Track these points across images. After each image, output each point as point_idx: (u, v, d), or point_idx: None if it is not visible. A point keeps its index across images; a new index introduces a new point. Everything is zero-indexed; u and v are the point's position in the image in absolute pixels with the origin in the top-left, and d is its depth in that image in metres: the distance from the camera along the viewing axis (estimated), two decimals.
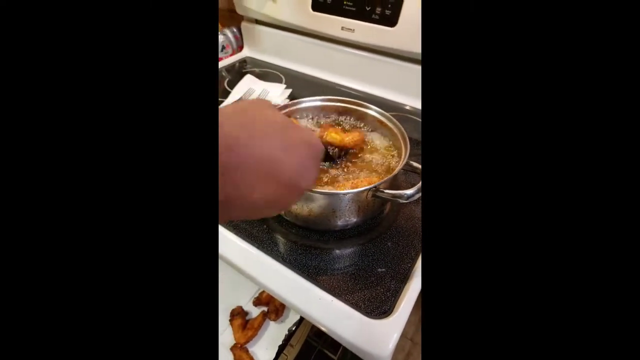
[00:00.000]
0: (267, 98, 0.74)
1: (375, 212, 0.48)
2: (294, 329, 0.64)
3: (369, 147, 0.51)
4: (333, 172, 0.47)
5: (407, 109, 0.74)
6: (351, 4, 0.71)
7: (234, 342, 0.64)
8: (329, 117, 0.56)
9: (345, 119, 0.56)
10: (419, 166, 0.45)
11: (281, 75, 0.85)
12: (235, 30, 0.95)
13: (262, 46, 0.93)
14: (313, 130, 0.26)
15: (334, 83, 0.83)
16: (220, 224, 0.47)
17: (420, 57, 0.68)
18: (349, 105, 0.55)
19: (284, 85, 0.78)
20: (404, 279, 0.41)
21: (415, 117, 0.71)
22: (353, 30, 0.73)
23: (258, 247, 0.44)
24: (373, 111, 0.53)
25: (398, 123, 0.49)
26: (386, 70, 0.75)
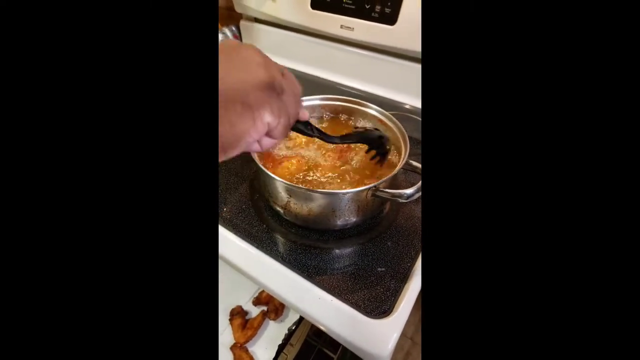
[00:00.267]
0: None
1: (375, 212, 0.48)
2: (293, 328, 0.63)
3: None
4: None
5: (407, 108, 0.73)
6: (350, 2, 0.70)
7: (234, 341, 0.64)
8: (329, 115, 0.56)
9: (344, 118, 0.56)
10: (419, 165, 0.45)
11: None
12: (234, 28, 0.95)
13: (261, 45, 0.92)
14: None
15: (333, 82, 0.83)
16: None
17: (420, 56, 0.68)
18: (348, 104, 0.55)
19: None
20: (404, 278, 0.41)
21: (415, 116, 0.71)
22: (352, 29, 0.72)
23: (257, 247, 0.44)
24: (373, 110, 0.53)
25: (398, 122, 0.49)
26: (386, 69, 0.75)
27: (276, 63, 0.27)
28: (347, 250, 0.45)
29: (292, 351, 0.62)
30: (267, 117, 0.26)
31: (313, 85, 0.83)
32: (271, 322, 0.68)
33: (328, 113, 0.56)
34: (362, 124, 0.54)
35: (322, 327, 0.38)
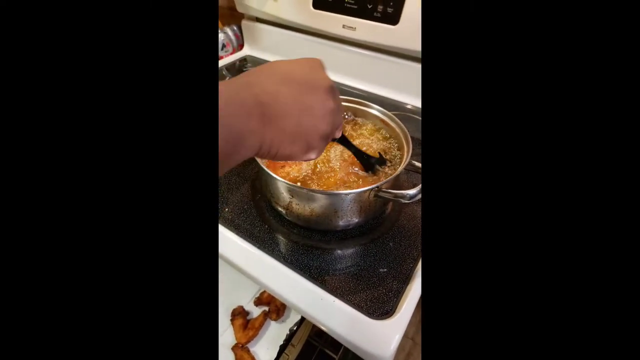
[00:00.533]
0: None
1: (377, 212, 0.47)
2: (295, 328, 0.63)
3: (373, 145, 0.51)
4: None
5: (409, 108, 0.73)
6: (353, 1, 0.70)
7: (235, 341, 0.64)
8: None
9: (347, 118, 0.56)
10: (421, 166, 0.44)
11: None
12: (235, 28, 0.95)
13: (263, 44, 0.92)
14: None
15: (335, 82, 0.82)
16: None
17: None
18: (351, 104, 0.54)
19: None
20: (406, 279, 0.41)
21: (417, 117, 0.70)
22: (354, 29, 0.72)
23: (259, 247, 0.44)
24: (375, 110, 0.53)
25: (400, 122, 0.49)
26: (388, 68, 0.75)
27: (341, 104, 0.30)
28: (349, 251, 0.45)
29: (293, 352, 0.62)
30: (314, 155, 0.29)
31: None
32: (272, 323, 0.67)
33: None
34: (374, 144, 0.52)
35: (324, 328, 0.38)
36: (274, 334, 0.66)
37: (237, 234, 0.46)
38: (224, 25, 0.95)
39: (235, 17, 0.94)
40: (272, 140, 0.25)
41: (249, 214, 0.49)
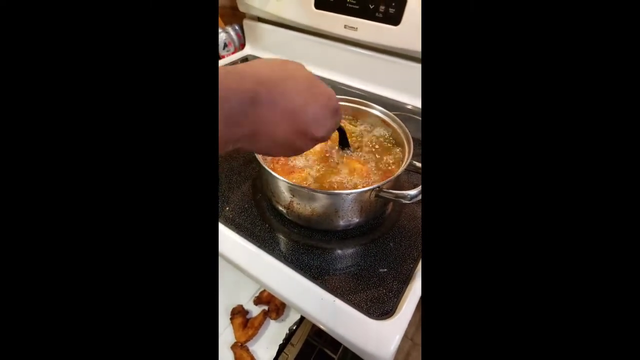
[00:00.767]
0: None
1: (378, 213, 0.47)
2: (294, 328, 0.63)
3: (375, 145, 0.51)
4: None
5: (409, 109, 0.73)
6: (354, 2, 0.70)
7: (235, 340, 0.64)
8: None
9: (349, 118, 0.56)
10: None
11: None
12: (237, 27, 0.95)
13: (264, 44, 0.92)
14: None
15: (336, 82, 0.83)
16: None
17: None
18: (352, 104, 0.55)
19: None
20: (406, 279, 0.41)
21: (417, 117, 0.70)
22: (356, 29, 0.72)
23: (260, 246, 0.44)
24: (377, 111, 0.53)
25: (402, 123, 0.49)
26: (389, 69, 0.75)
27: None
28: (350, 251, 0.45)
29: (292, 351, 0.62)
30: (314, 147, 0.31)
31: None
32: (272, 322, 0.67)
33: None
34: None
35: (324, 328, 0.38)
36: (274, 333, 0.66)
37: (238, 233, 0.46)
38: (225, 24, 0.95)
39: (237, 17, 0.94)
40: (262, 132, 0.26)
41: (249, 213, 0.49)
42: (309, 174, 0.46)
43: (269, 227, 0.47)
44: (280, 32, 0.87)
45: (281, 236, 0.46)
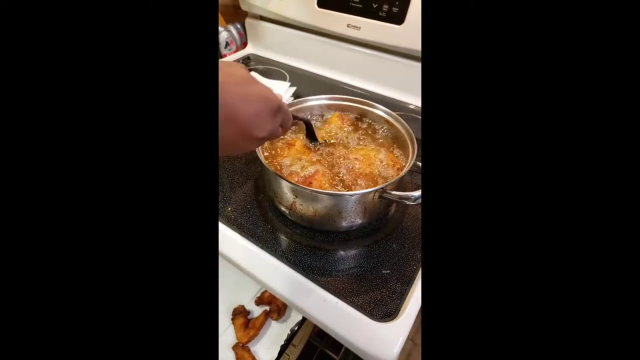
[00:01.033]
0: None
1: (381, 214, 0.47)
2: (296, 329, 0.63)
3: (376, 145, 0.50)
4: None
5: (412, 108, 0.73)
6: (358, 1, 0.70)
7: (236, 341, 0.63)
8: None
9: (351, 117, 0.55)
10: None
11: (285, 73, 0.84)
12: (239, 26, 0.94)
13: (266, 43, 0.92)
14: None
15: (339, 81, 0.83)
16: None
17: None
18: (355, 104, 0.54)
19: (289, 83, 0.78)
20: (410, 281, 0.41)
21: (420, 117, 0.70)
22: (359, 28, 0.72)
23: (262, 247, 0.44)
24: (380, 111, 0.52)
25: (405, 123, 0.49)
26: (392, 68, 0.74)
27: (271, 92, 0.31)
28: (352, 252, 0.45)
29: (294, 352, 0.62)
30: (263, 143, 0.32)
31: (318, 84, 0.82)
32: (273, 323, 0.67)
33: (334, 112, 0.56)
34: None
35: (327, 330, 0.38)
36: (275, 333, 0.66)
37: (240, 233, 0.45)
38: (227, 23, 0.95)
39: (239, 15, 0.94)
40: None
41: (251, 214, 0.49)
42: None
43: (271, 227, 0.47)
44: (283, 31, 0.87)
45: (283, 237, 0.46)
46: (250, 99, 0.28)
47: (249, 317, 0.67)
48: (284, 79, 0.81)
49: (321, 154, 0.48)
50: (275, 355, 0.61)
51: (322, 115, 0.56)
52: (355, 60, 0.79)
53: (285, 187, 0.42)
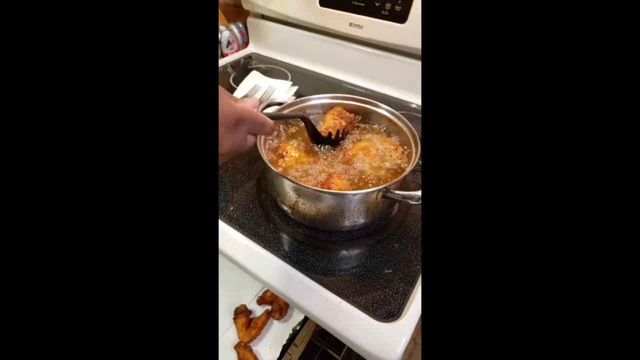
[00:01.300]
0: (273, 95, 0.73)
1: (384, 213, 0.47)
2: (298, 328, 0.63)
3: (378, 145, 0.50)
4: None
5: (415, 107, 0.73)
6: None
7: (238, 340, 0.63)
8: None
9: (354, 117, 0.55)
10: None
11: (287, 72, 0.84)
12: (241, 25, 0.94)
13: (268, 42, 0.92)
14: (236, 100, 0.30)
15: (341, 80, 0.82)
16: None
17: None
18: (359, 103, 0.54)
19: (290, 82, 0.78)
20: (412, 281, 0.41)
21: None
22: (361, 27, 0.72)
23: (264, 246, 0.44)
24: (383, 110, 0.52)
25: (409, 123, 0.48)
26: (395, 67, 0.74)
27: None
28: (355, 252, 0.44)
29: (296, 352, 0.62)
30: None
31: (320, 83, 0.82)
32: (275, 322, 0.67)
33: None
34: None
35: (330, 330, 0.37)
36: (277, 333, 0.65)
37: (242, 232, 0.45)
38: (229, 22, 0.94)
39: (241, 15, 0.94)
40: None
41: (254, 213, 0.48)
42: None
43: (274, 227, 0.47)
44: (285, 30, 0.86)
45: (286, 236, 0.46)
46: None
47: (251, 316, 0.67)
48: (286, 78, 0.81)
49: (326, 157, 0.48)
50: (277, 354, 0.61)
51: (324, 115, 0.56)
52: (357, 59, 0.79)
53: (287, 186, 0.41)
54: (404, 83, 0.74)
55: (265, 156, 0.42)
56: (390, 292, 0.39)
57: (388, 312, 0.37)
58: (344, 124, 0.51)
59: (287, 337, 0.63)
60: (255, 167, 0.56)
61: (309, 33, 0.83)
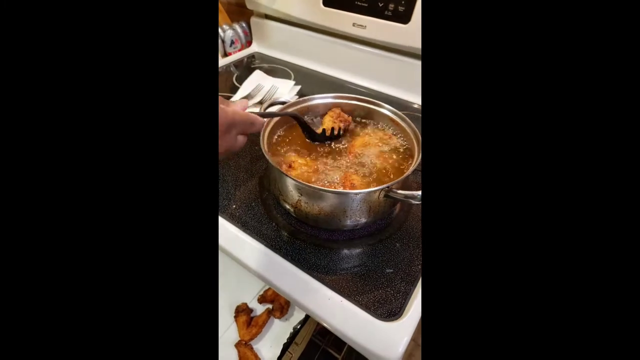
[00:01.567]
0: (276, 94, 0.73)
1: (386, 213, 0.47)
2: (298, 327, 0.63)
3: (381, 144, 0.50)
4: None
5: (417, 108, 0.73)
6: None
7: (239, 339, 0.64)
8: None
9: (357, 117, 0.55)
10: None
11: (290, 72, 0.84)
12: (244, 25, 0.94)
13: (271, 41, 0.92)
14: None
15: (344, 80, 0.82)
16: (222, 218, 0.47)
17: None
18: (361, 103, 0.54)
19: (293, 82, 0.78)
20: (414, 281, 0.41)
21: None
22: (365, 27, 0.72)
23: (266, 245, 0.44)
24: (386, 110, 0.52)
25: (411, 122, 0.48)
26: (398, 68, 0.74)
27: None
28: (357, 251, 0.44)
29: (297, 350, 0.62)
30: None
31: (323, 83, 0.82)
32: (276, 321, 0.67)
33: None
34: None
35: (331, 328, 0.38)
36: (278, 332, 0.66)
37: (244, 231, 0.45)
38: (232, 21, 0.95)
39: (245, 14, 0.94)
40: None
41: (256, 211, 0.49)
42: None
43: (276, 225, 0.47)
44: (288, 30, 0.87)
45: (287, 235, 0.46)
46: None
47: (252, 315, 0.67)
48: (289, 78, 0.81)
49: (334, 158, 0.49)
50: (278, 353, 0.61)
51: (323, 117, 0.56)
52: (360, 59, 0.79)
53: (290, 185, 0.42)
54: (407, 83, 0.74)
55: (269, 155, 0.43)
56: (392, 292, 0.39)
57: (389, 311, 0.37)
58: (342, 125, 0.51)
59: (287, 335, 0.63)
60: (258, 166, 0.56)
61: (312, 33, 0.83)
